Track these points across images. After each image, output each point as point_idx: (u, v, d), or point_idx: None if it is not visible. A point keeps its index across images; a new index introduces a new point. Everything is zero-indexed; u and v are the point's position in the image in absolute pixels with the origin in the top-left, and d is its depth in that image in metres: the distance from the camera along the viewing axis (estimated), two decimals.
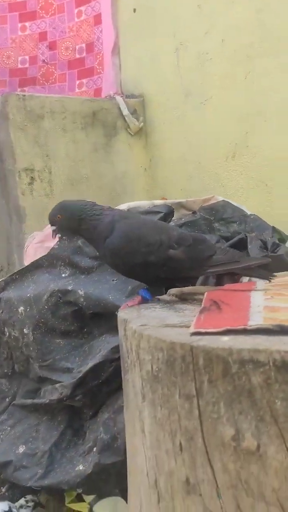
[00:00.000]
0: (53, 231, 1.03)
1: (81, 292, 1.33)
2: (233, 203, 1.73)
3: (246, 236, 1.47)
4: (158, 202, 1.55)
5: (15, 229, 2.19)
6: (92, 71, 2.59)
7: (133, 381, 0.76)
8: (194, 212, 1.65)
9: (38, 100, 2.15)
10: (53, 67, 2.62)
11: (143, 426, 0.73)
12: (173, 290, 1.10)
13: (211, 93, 2.14)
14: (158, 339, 0.67)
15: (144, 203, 1.50)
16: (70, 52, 2.62)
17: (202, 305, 0.85)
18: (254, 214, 1.72)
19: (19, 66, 2.62)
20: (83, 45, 2.58)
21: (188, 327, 0.70)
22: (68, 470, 1.26)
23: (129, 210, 1.44)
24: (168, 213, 1.43)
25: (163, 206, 1.45)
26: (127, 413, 0.83)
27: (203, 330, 0.65)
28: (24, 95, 2.13)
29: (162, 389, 0.67)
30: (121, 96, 2.43)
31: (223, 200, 1.74)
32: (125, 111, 2.34)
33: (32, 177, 2.15)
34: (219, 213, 1.65)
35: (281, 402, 0.56)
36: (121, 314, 0.86)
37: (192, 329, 0.66)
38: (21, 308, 1.40)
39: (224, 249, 0.95)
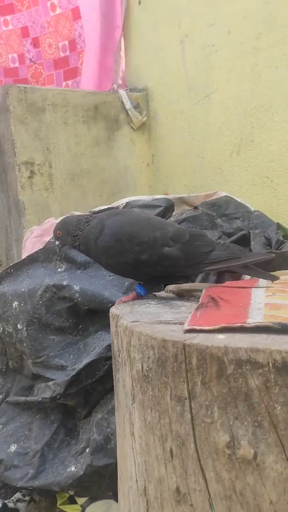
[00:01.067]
0: (57, 245, 1.01)
1: (76, 288, 1.29)
2: (236, 199, 1.68)
3: (249, 233, 1.42)
4: (159, 196, 1.49)
5: (14, 223, 2.14)
6: (76, 72, 2.48)
7: (124, 381, 0.72)
8: (195, 208, 1.60)
9: (40, 92, 2.11)
10: (41, 67, 2.50)
11: (132, 429, 0.68)
12: (170, 287, 1.05)
13: (216, 86, 2.09)
14: (149, 336, 0.62)
15: (144, 198, 1.45)
16: (54, 50, 2.48)
17: (200, 302, 0.80)
18: (258, 211, 1.67)
19: (11, 65, 2.53)
20: (66, 42, 2.44)
21: (183, 324, 0.65)
22: (59, 471, 1.21)
23: (128, 205, 1.39)
24: (167, 207, 1.38)
25: (163, 200, 1.40)
26: (118, 414, 0.78)
27: (197, 327, 0.60)
28: (26, 87, 2.09)
29: (153, 390, 0.62)
30: (125, 90, 2.38)
31: (226, 195, 1.69)
32: (128, 105, 2.29)
33: (32, 171, 2.10)
34: (221, 209, 1.60)
35: (281, 407, 0.51)
36: (114, 310, 0.82)
37: (186, 326, 0.62)
38: (15, 303, 1.36)
39: (224, 245, 0.90)
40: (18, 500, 1.28)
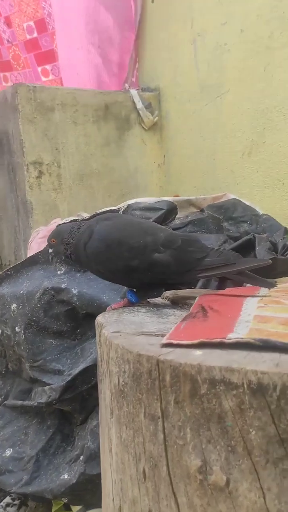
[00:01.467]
0: (50, 253, 0.99)
1: (74, 291, 1.26)
2: (245, 201, 1.64)
3: (254, 237, 1.37)
4: (166, 199, 1.46)
5: (22, 223, 2.14)
6: (52, 55, 2.30)
7: (104, 393, 0.69)
8: (201, 210, 1.56)
9: (49, 91, 2.09)
10: (18, 49, 2.32)
11: (110, 445, 0.65)
12: (168, 292, 1.02)
13: (228, 86, 2.04)
14: (126, 350, 0.59)
15: (146, 200, 1.42)
16: (22, 31, 2.28)
17: (189, 311, 0.77)
18: (267, 214, 1.61)
19: None
20: (31, 22, 2.22)
21: (164, 336, 0.62)
22: (53, 478, 1.19)
23: (129, 207, 1.36)
24: (169, 210, 1.34)
25: (165, 202, 1.37)
26: (101, 427, 0.75)
27: (175, 342, 0.57)
28: (35, 86, 2.08)
29: (128, 406, 0.59)
30: (137, 89, 2.35)
31: (234, 198, 1.64)
32: (140, 105, 2.26)
33: (40, 171, 2.09)
34: (228, 212, 1.56)
35: (256, 432, 0.47)
36: (99, 318, 0.79)
37: (164, 340, 0.58)
38: (13, 305, 1.34)
39: (218, 251, 0.86)
40: (8, 505, 1.26)
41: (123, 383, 0.59)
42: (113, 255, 0.84)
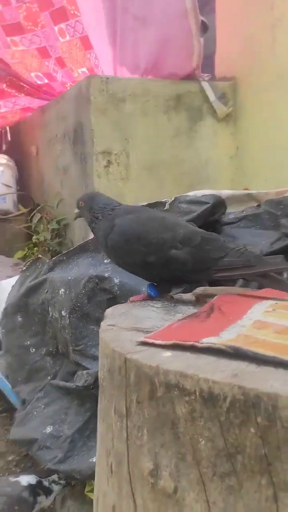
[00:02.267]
0: (75, 213, 1.00)
1: (116, 280, 1.28)
2: None
3: None
4: (213, 192, 1.42)
5: None
6: (65, 12, 2.14)
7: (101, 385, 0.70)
8: (258, 205, 1.49)
9: (121, 83, 2.12)
10: (35, 6, 2.16)
11: (98, 434, 0.66)
12: (199, 289, 1.00)
13: None
14: (106, 344, 0.59)
15: (193, 193, 1.39)
16: None
17: (197, 310, 0.75)
18: None
19: None
20: None
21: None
22: (84, 460, 1.23)
23: (176, 200, 1.34)
24: (215, 205, 1.30)
25: (211, 196, 1.33)
26: None
27: (150, 341, 0.56)
28: (108, 78, 2.11)
29: (104, 401, 0.59)
30: (208, 77, 2.27)
31: None
32: (212, 97, 2.20)
33: (109, 161, 2.13)
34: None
35: (206, 443, 0.45)
36: (109, 310, 0.80)
37: (141, 338, 0.58)
38: (62, 290, 1.40)
39: (239, 251, 0.82)
40: (53, 482, 1.33)
41: (102, 377, 0.60)
42: (131, 250, 0.84)
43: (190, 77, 2.19)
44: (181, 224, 0.88)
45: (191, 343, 0.53)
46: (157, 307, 0.82)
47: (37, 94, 2.72)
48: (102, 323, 0.70)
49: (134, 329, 0.66)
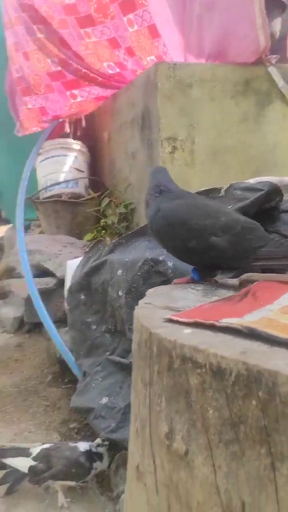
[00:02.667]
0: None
1: (170, 264, 1.33)
2: None
3: None
4: (269, 179, 1.41)
5: None
6: (133, 2, 2.15)
7: None
8: None
9: (188, 68, 2.13)
10: None
11: (131, 403, 0.72)
12: (247, 274, 1.02)
13: None
14: (137, 319, 0.65)
15: (250, 180, 1.39)
16: None
17: (232, 294, 0.78)
18: None
19: (66, 1, 2.36)
20: None
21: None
22: None
23: (231, 186, 1.35)
24: (270, 192, 1.29)
25: (267, 183, 1.32)
26: None
27: (175, 318, 0.61)
28: (175, 64, 2.13)
29: (135, 371, 0.65)
30: (277, 60, 2.20)
31: None
32: (280, 82, 2.15)
33: (174, 146, 2.17)
34: None
35: (213, 412, 0.50)
36: (150, 290, 0.85)
37: (168, 316, 0.62)
38: (119, 271, 1.47)
39: (279, 241, 0.84)
40: (99, 445, 1.42)
41: (133, 349, 0.66)
42: (173, 234, 0.88)
43: (257, 61, 2.15)
44: (224, 211, 0.91)
45: (211, 322, 0.57)
46: (197, 290, 0.86)
47: (109, 83, 2.80)
48: (140, 301, 0.75)
49: (167, 308, 0.71)
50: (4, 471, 1.40)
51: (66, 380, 2.09)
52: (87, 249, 1.74)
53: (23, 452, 1.43)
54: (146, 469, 0.60)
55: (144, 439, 0.60)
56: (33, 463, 1.39)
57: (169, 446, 0.54)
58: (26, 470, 1.38)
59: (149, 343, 0.58)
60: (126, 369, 1.48)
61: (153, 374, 0.57)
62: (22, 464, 1.40)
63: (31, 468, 1.37)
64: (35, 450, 1.43)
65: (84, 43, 2.61)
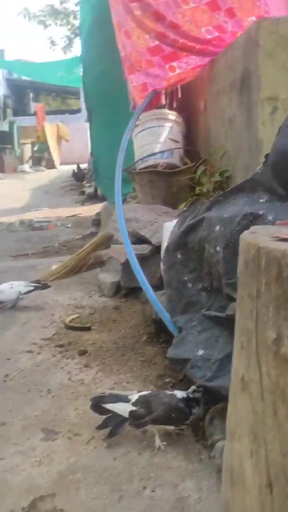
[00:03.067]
0: None
1: (270, 217, 1.32)
2: None
3: None
4: None
5: (252, 161, 2.22)
6: None
7: None
8: None
9: None
10: None
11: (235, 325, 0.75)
12: None
13: None
14: (244, 240, 0.67)
15: None
16: None
17: None
18: None
19: None
20: None
21: None
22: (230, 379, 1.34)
23: None
24: None
25: None
26: None
27: (282, 236, 0.62)
28: (279, 19, 2.05)
29: (241, 289, 0.67)
30: None
31: None
32: None
33: (274, 107, 2.10)
34: None
35: None
36: (256, 226, 0.86)
37: (275, 234, 0.64)
38: (217, 227, 1.49)
39: None
40: (194, 391, 1.46)
41: (239, 272, 0.68)
42: (285, 169, 0.88)
43: None
44: None
45: None
46: None
47: (207, 50, 2.77)
48: (245, 231, 0.77)
49: (270, 235, 0.71)
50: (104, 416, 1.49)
51: (161, 340, 2.15)
52: (184, 208, 1.77)
53: (122, 398, 1.51)
54: (252, 378, 0.62)
55: (250, 351, 0.62)
56: (133, 408, 1.46)
57: (276, 352, 0.56)
58: (126, 415, 1.45)
59: (257, 258, 0.60)
60: (222, 323, 1.50)
61: (260, 287, 0.59)
62: (123, 409, 1.47)
63: (131, 413, 1.44)
64: (133, 396, 1.50)
65: (181, 11, 2.61)
